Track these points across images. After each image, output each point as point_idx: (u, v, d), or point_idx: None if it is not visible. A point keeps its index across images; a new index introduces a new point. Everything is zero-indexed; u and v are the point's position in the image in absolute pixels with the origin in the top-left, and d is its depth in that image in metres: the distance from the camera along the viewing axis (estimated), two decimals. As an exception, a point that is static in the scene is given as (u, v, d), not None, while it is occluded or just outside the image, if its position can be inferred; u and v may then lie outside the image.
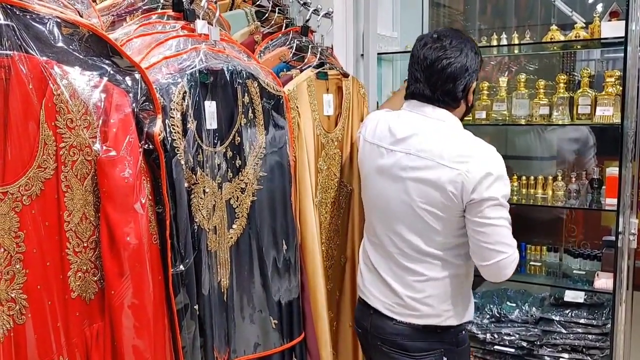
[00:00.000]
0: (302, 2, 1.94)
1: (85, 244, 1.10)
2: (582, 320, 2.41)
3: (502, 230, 1.43)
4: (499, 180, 1.42)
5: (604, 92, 2.31)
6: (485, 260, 1.46)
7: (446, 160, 1.42)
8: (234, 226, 1.42)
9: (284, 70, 1.77)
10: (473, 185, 1.40)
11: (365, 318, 1.64)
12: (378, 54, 2.55)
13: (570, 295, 2.44)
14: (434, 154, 1.45)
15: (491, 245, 1.43)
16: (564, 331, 2.42)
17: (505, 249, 1.44)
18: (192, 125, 1.27)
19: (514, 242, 1.46)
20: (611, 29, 2.21)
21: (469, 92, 1.55)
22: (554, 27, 2.45)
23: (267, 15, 1.93)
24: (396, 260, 1.55)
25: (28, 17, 0.99)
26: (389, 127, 1.57)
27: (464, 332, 1.59)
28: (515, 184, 2.65)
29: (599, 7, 2.43)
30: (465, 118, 1.66)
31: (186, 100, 1.25)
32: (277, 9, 1.95)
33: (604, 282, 2.31)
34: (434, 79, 1.50)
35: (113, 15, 1.43)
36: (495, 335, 2.54)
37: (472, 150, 1.45)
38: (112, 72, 1.11)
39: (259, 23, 1.89)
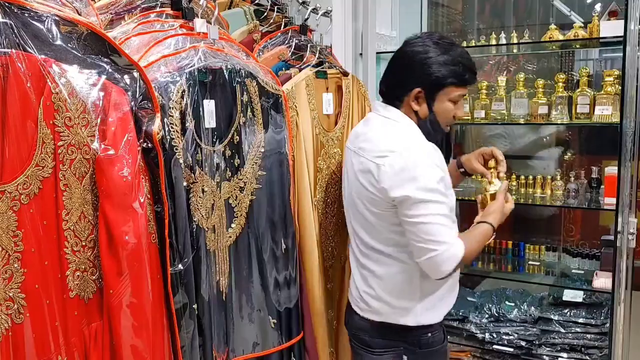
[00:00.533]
0: (301, 1, 1.94)
1: (84, 243, 1.09)
2: (580, 320, 2.41)
3: (429, 227, 1.37)
4: (417, 176, 1.36)
5: (602, 92, 2.31)
6: (417, 257, 1.42)
7: (372, 155, 1.45)
8: (233, 225, 1.42)
9: (283, 69, 1.77)
10: (389, 182, 1.38)
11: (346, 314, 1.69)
12: (377, 53, 2.55)
13: (569, 295, 2.45)
14: (368, 150, 1.47)
15: (420, 243, 1.39)
16: (562, 330, 2.42)
17: (434, 246, 1.37)
18: (190, 124, 1.26)
19: (448, 238, 1.39)
20: (610, 28, 2.21)
21: (415, 94, 1.45)
22: (552, 26, 2.46)
23: (265, 14, 1.92)
24: (355, 256, 1.60)
25: (26, 15, 0.99)
26: (355, 129, 1.63)
27: (429, 334, 1.51)
28: (514, 183, 2.65)
29: (598, 7, 2.43)
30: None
31: (185, 99, 1.25)
32: (275, 7, 1.94)
33: (602, 281, 2.31)
34: (386, 70, 1.54)
35: (111, 14, 1.43)
36: (494, 335, 2.54)
37: (396, 145, 1.41)
38: (110, 70, 1.11)
39: (257, 22, 1.88)
